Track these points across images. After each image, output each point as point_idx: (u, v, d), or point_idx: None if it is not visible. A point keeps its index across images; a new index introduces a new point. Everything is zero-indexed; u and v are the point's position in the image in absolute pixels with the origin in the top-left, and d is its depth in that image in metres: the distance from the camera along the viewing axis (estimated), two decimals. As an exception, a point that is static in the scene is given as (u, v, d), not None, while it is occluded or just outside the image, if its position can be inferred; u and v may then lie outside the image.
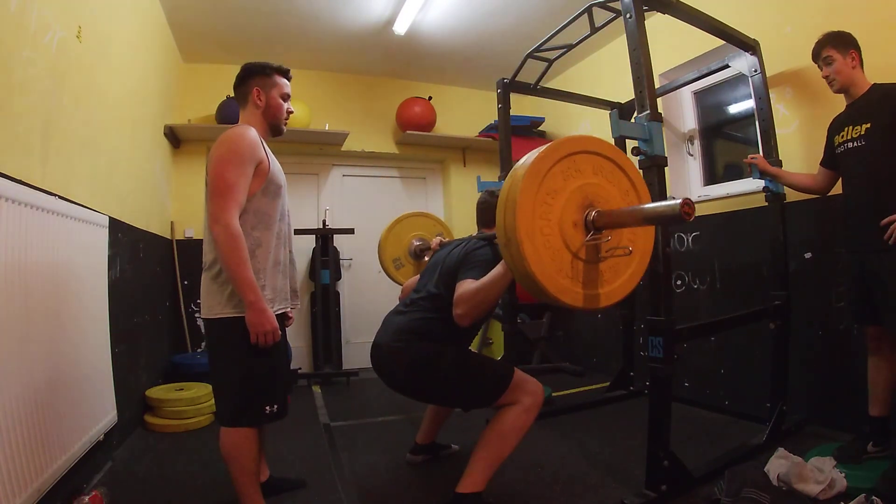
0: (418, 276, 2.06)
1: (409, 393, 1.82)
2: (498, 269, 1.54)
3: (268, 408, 1.58)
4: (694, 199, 3.11)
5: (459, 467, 1.69)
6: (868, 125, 1.86)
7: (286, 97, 1.73)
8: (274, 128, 1.73)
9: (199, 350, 3.56)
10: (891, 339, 1.87)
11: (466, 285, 1.60)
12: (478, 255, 1.71)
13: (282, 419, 1.65)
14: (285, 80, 1.74)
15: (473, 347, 2.33)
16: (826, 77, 1.98)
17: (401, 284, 2.56)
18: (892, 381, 1.89)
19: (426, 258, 2.19)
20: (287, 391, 1.74)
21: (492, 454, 1.63)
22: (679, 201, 1.13)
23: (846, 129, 1.95)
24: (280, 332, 1.56)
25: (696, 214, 1.14)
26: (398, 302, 1.99)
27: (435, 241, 2.52)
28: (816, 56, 2.00)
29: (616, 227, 1.31)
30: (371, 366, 1.82)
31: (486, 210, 1.99)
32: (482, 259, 1.68)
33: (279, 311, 1.67)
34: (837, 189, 2.16)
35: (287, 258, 1.74)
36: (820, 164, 2.13)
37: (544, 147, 1.30)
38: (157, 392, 2.70)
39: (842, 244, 2.08)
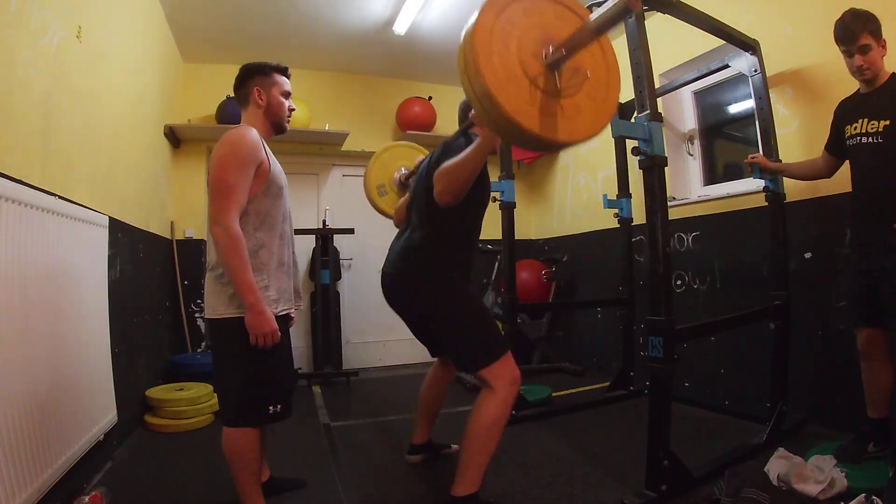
0: (407, 196, 2.11)
1: (411, 318, 1.89)
2: (471, 146, 1.60)
3: (271, 408, 1.58)
4: (694, 199, 3.12)
5: (459, 467, 1.69)
6: (887, 122, 1.74)
7: (287, 95, 1.74)
8: (277, 126, 1.74)
9: (199, 350, 3.56)
10: (884, 343, 1.84)
11: (444, 165, 1.67)
12: (454, 146, 1.79)
13: (286, 419, 1.64)
14: (285, 78, 1.74)
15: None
16: (859, 67, 1.76)
17: (382, 213, 2.63)
18: (888, 383, 1.88)
19: (411, 181, 2.18)
20: (291, 391, 1.73)
21: (479, 452, 1.63)
22: None
23: (860, 120, 1.82)
24: (279, 334, 1.55)
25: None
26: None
27: (417, 160, 2.49)
28: (850, 41, 1.76)
29: (573, 51, 1.27)
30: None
31: (464, 108, 2.07)
32: (457, 148, 1.73)
33: (284, 312, 1.67)
34: (837, 188, 2.16)
35: (291, 259, 1.74)
36: (825, 148, 2.04)
37: None
38: (157, 392, 2.71)
39: (849, 241, 2.04)
